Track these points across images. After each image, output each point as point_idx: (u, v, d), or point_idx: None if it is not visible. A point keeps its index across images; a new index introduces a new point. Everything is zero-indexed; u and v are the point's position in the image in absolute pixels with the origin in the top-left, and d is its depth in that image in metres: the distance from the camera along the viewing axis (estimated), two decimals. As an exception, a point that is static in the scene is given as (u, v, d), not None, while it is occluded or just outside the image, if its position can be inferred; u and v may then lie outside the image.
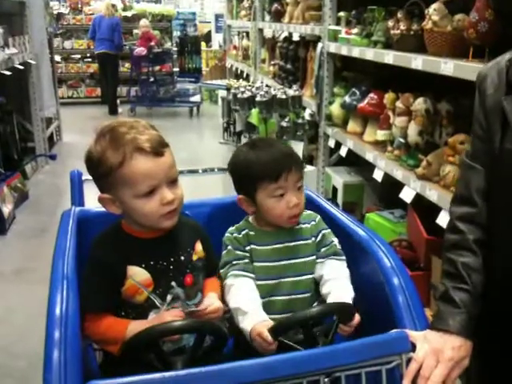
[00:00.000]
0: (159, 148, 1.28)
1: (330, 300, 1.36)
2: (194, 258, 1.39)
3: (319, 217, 1.52)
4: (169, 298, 1.31)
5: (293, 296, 1.44)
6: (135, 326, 1.23)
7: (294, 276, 1.44)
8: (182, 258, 1.35)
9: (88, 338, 1.30)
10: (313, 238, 1.48)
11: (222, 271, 1.43)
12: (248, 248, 1.44)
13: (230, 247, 1.45)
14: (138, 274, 1.30)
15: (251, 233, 1.46)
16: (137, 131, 1.28)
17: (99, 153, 1.27)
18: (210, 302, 1.34)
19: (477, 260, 1.21)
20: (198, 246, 1.41)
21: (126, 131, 1.27)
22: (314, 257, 1.47)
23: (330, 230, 1.51)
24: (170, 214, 1.29)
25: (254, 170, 1.40)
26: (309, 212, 1.52)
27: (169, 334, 1.15)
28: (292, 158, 1.44)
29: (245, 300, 1.35)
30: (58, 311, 1.09)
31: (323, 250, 1.48)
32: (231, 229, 1.49)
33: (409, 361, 1.11)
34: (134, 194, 1.26)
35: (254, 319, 1.29)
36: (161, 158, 1.27)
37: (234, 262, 1.42)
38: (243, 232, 1.46)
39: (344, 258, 1.48)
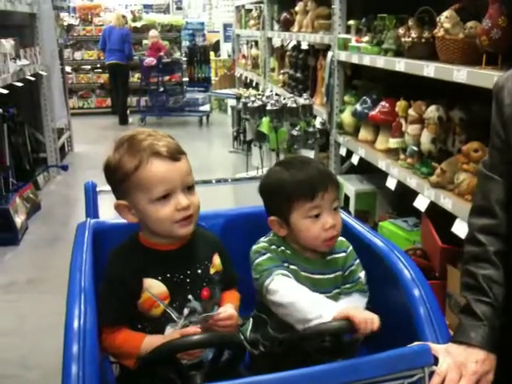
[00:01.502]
0: (176, 154, 1.28)
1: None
2: (212, 271, 1.38)
3: (351, 247, 1.47)
4: (186, 311, 1.30)
5: None
6: (150, 341, 1.22)
7: None
8: (199, 271, 1.34)
9: (105, 350, 1.29)
10: (340, 272, 1.43)
11: (262, 277, 1.34)
12: (285, 264, 1.37)
13: (269, 255, 1.37)
14: (154, 287, 1.29)
15: (287, 251, 1.40)
16: (154, 138, 1.29)
17: (117, 160, 1.28)
18: (224, 309, 1.31)
19: (498, 272, 1.19)
20: (216, 259, 1.39)
21: (143, 138, 1.29)
22: (338, 290, 1.42)
23: (358, 262, 1.45)
24: (185, 220, 1.28)
25: (289, 189, 1.35)
26: (341, 239, 1.46)
27: (187, 348, 1.14)
28: (329, 176, 1.39)
29: (308, 292, 1.29)
30: (75, 325, 1.08)
31: (348, 286, 1.42)
32: (263, 240, 1.42)
33: (431, 374, 1.09)
34: (149, 199, 1.26)
35: (334, 304, 1.26)
36: (177, 163, 1.28)
37: (277, 269, 1.34)
38: (280, 248, 1.40)
39: (367, 294, 1.42)
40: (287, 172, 1.38)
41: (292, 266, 1.37)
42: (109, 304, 1.27)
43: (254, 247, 1.40)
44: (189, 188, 1.30)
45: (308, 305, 1.25)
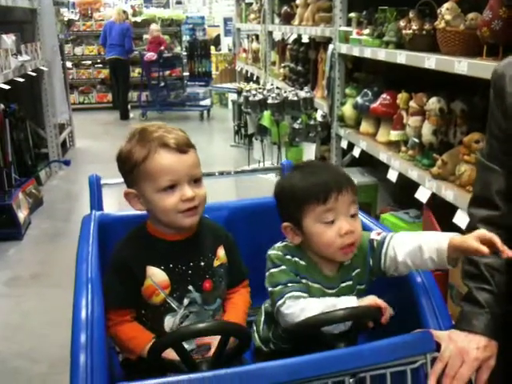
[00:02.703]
0: (184, 146, 1.31)
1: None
2: (216, 263, 1.39)
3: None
4: (186, 301, 1.32)
5: None
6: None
7: None
8: (202, 263, 1.36)
9: (109, 337, 1.31)
10: (351, 281, 1.33)
11: (274, 294, 1.27)
12: (297, 278, 1.29)
13: (283, 267, 1.29)
14: (156, 275, 1.31)
15: (301, 262, 1.31)
16: (165, 130, 1.33)
17: (127, 150, 1.32)
18: None
19: (499, 260, 1.20)
20: (220, 252, 1.41)
21: (154, 130, 1.33)
22: (364, 285, 1.34)
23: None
24: (190, 211, 1.30)
25: (300, 192, 1.26)
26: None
27: (193, 335, 1.16)
28: (344, 178, 1.28)
29: (320, 301, 1.22)
30: (83, 315, 1.10)
31: (362, 287, 1.33)
32: (280, 246, 1.33)
33: (433, 361, 1.11)
34: (156, 188, 1.29)
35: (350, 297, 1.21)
36: (184, 155, 1.30)
37: (290, 285, 1.26)
38: (294, 259, 1.31)
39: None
40: (300, 175, 1.31)
41: (303, 280, 1.29)
42: (114, 288, 1.30)
43: (270, 253, 1.33)
44: (196, 180, 1.32)
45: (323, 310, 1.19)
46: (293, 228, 1.30)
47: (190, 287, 1.33)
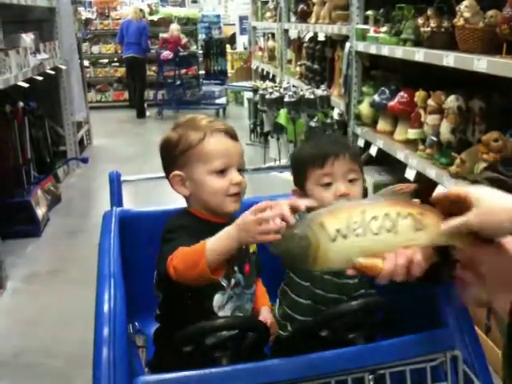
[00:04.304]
0: (235, 134, 1.40)
1: None
2: (251, 249, 1.43)
3: None
4: (232, 281, 1.35)
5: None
6: (211, 246, 1.17)
7: None
8: (244, 246, 1.36)
9: (176, 275, 1.21)
10: None
11: None
12: None
13: None
14: None
15: None
16: (213, 119, 1.42)
17: (179, 134, 1.38)
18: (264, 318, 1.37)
19: None
20: None
21: (203, 118, 1.41)
22: None
23: None
24: (236, 196, 1.36)
25: (303, 157, 1.41)
26: None
27: (214, 330, 1.17)
28: (342, 145, 1.42)
29: None
30: (106, 309, 1.11)
31: None
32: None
33: (453, 358, 1.11)
34: (208, 170, 1.34)
35: None
36: (236, 142, 1.39)
37: None
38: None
39: None
40: (306, 146, 1.47)
41: None
42: (174, 244, 1.25)
43: None
44: (240, 170, 1.39)
45: None
46: (299, 192, 1.41)
47: (236, 268, 1.36)
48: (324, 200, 1.33)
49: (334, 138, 1.47)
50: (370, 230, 1.00)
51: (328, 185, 1.35)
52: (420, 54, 2.71)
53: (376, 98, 3.43)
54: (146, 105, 9.23)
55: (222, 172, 1.34)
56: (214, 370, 1.01)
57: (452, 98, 2.59)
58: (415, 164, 2.84)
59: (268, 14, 6.96)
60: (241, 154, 1.39)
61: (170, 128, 1.44)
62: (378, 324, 1.23)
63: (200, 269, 1.13)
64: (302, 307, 1.40)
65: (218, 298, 1.33)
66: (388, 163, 3.57)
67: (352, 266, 1.00)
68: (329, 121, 4.08)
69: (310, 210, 1.35)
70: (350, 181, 1.37)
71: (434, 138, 2.74)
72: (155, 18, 10.19)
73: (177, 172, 1.37)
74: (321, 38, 5.41)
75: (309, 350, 1.06)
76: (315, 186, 1.37)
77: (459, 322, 1.17)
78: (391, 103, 3.23)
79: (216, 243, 1.15)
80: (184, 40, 9.28)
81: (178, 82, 9.22)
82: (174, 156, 1.38)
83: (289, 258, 1.02)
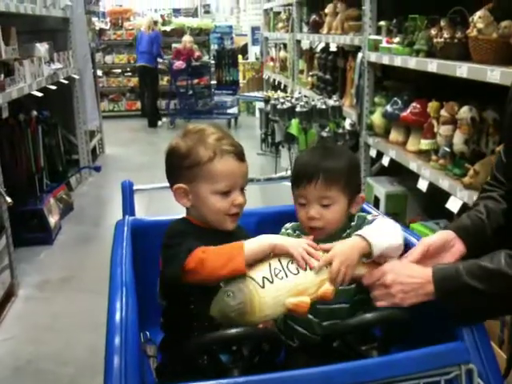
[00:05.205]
0: (242, 155, 1.40)
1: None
2: None
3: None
4: None
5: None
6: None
7: None
8: None
9: (195, 278, 1.22)
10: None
11: None
12: None
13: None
14: None
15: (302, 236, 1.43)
16: (222, 135, 1.40)
17: (189, 146, 1.37)
18: None
19: (498, 205, 1.29)
20: None
21: (213, 133, 1.39)
22: None
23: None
24: (235, 216, 1.38)
25: (292, 174, 1.45)
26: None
27: (226, 340, 1.16)
28: (322, 167, 1.36)
29: None
30: (118, 318, 1.11)
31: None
32: (287, 225, 1.49)
33: (468, 372, 1.09)
34: (212, 190, 1.35)
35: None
36: (243, 164, 1.39)
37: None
38: (296, 233, 1.45)
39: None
40: (300, 157, 1.47)
41: None
42: (176, 249, 1.25)
43: (281, 232, 1.49)
44: (242, 189, 1.41)
45: None
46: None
47: None
48: (301, 219, 1.40)
49: (321, 154, 1.40)
50: (290, 272, 1.17)
51: (303, 205, 1.39)
52: (433, 65, 2.70)
53: (388, 108, 3.42)
54: (158, 113, 9.29)
55: (226, 193, 1.36)
56: (224, 381, 1.00)
57: (465, 108, 2.57)
58: (428, 175, 2.83)
59: (280, 25, 7.00)
60: (245, 175, 1.41)
61: (178, 135, 1.43)
62: (392, 337, 1.21)
63: (236, 263, 1.18)
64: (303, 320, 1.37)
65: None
66: (400, 174, 3.55)
67: (286, 309, 1.14)
68: (340, 131, 4.07)
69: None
70: (325, 205, 1.36)
71: (447, 149, 2.72)
72: (168, 28, 10.28)
73: (181, 185, 1.38)
74: (332, 48, 5.42)
75: (320, 362, 1.06)
76: (296, 203, 1.41)
77: (474, 334, 1.15)
78: (404, 114, 3.22)
79: (254, 242, 1.23)
80: (197, 53, 9.33)
81: (191, 92, 9.28)
82: (180, 167, 1.38)
83: (226, 318, 1.15)
